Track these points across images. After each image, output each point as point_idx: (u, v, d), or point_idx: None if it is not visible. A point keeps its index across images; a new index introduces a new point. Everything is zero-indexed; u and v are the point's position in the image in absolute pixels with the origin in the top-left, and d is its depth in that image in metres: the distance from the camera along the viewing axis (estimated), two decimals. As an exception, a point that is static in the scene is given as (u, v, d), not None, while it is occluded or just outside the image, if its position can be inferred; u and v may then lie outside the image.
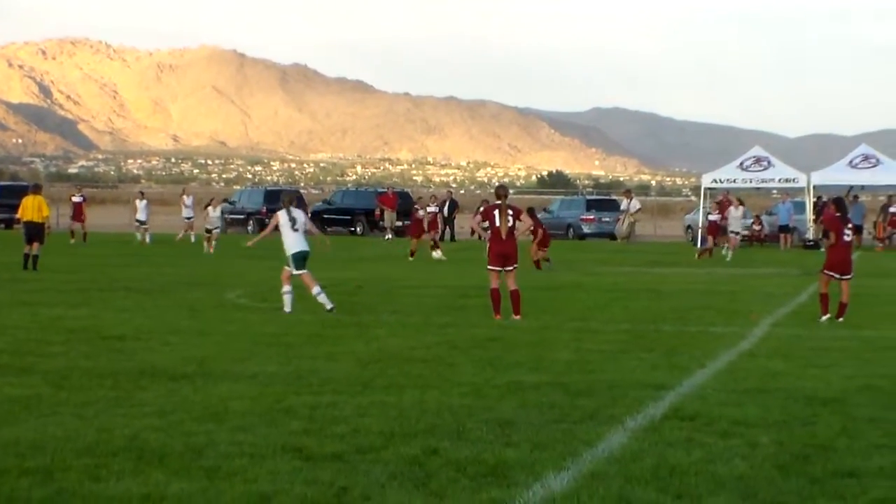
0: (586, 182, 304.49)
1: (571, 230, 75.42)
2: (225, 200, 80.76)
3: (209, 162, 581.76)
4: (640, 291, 32.82)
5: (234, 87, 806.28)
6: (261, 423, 12.63)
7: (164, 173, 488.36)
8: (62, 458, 10.80)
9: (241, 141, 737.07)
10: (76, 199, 61.05)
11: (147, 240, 59.20)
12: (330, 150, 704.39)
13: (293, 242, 25.68)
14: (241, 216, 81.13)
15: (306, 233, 25.91)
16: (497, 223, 24.97)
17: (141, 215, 61.10)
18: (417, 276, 38.41)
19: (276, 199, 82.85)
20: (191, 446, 11.42)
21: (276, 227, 25.85)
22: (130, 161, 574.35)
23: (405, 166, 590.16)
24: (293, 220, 25.68)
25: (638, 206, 71.68)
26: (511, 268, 25.02)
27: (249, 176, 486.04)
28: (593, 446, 11.73)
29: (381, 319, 24.07)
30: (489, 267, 25.18)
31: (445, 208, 72.82)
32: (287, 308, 25.16)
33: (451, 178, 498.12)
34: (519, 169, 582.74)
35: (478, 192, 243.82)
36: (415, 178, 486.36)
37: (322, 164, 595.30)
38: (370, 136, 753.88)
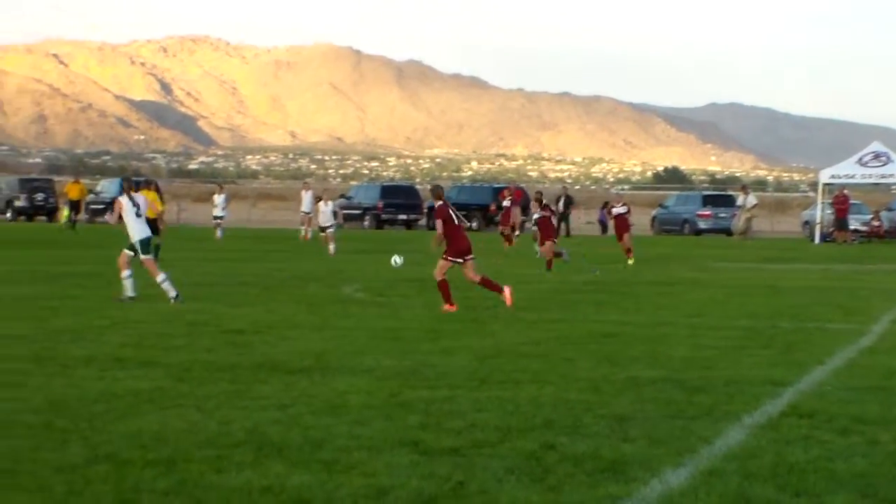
0: (702, 178, 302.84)
1: (687, 226, 75.20)
2: (342, 196, 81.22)
3: (326, 158, 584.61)
4: (757, 287, 32.58)
5: (351, 84, 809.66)
6: (378, 417, 12.67)
7: (281, 169, 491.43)
8: (184, 450, 10.89)
9: (358, 137, 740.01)
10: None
11: (218, 234, 59.11)
12: (445, 145, 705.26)
13: (137, 228, 25.75)
14: (358, 211, 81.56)
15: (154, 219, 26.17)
16: (455, 221, 25.58)
17: (218, 211, 61.14)
18: (532, 271, 38.33)
19: (392, 194, 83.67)
20: (309, 439, 11.46)
21: (120, 215, 25.80)
22: (249, 157, 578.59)
23: (520, 162, 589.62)
24: (136, 206, 25.79)
25: (754, 201, 71.11)
26: (471, 258, 25.60)
27: (366, 172, 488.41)
28: (711, 443, 11.64)
29: (496, 314, 24.06)
30: (451, 258, 25.47)
31: (561, 204, 72.78)
32: (129, 293, 25.34)
33: (566, 173, 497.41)
34: (634, 165, 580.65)
35: (592, 187, 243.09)
36: (530, 173, 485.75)
37: (438, 160, 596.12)
38: (485, 132, 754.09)
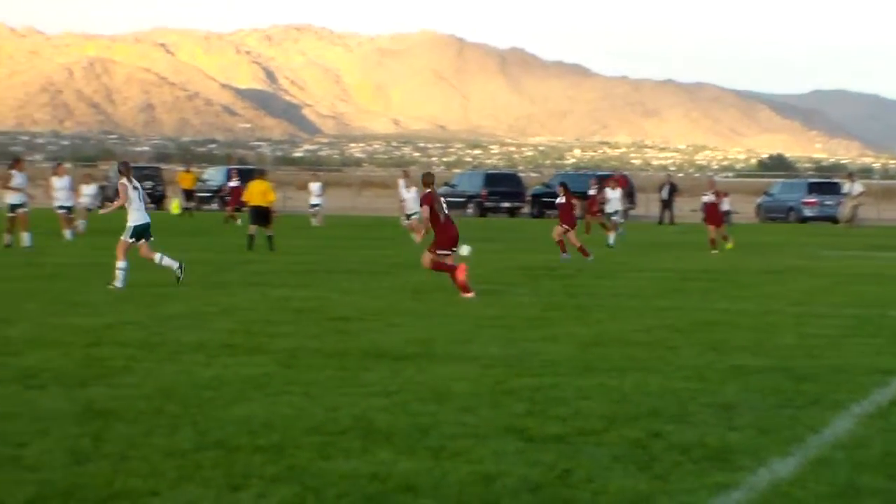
0: (807, 165, 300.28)
1: (793, 213, 74.63)
2: (445, 184, 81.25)
3: (429, 146, 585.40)
4: (864, 276, 32.27)
5: (454, 72, 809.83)
6: (484, 405, 12.67)
7: (385, 157, 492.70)
8: (292, 436, 10.95)
9: (461, 125, 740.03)
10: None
11: (314, 222, 59.28)
12: (548, 133, 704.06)
13: (138, 214, 25.87)
14: (462, 199, 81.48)
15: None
16: (438, 210, 25.54)
17: (314, 199, 61.31)
18: (635, 258, 38.21)
19: (496, 182, 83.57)
20: (416, 426, 11.49)
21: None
22: (353, 145, 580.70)
23: (623, 149, 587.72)
24: (137, 191, 25.96)
25: (861, 189, 70.50)
26: (454, 251, 25.65)
27: (469, 159, 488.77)
28: (819, 432, 11.56)
29: (600, 303, 24.00)
30: (442, 251, 25.39)
31: (665, 192, 72.49)
32: (119, 283, 25.29)
33: (670, 161, 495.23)
34: (738, 152, 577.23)
35: (696, 175, 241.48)
36: (633, 161, 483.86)
37: (541, 148, 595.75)
38: (588, 120, 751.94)
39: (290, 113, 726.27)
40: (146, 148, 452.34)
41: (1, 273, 28.48)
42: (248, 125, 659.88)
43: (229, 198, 64.20)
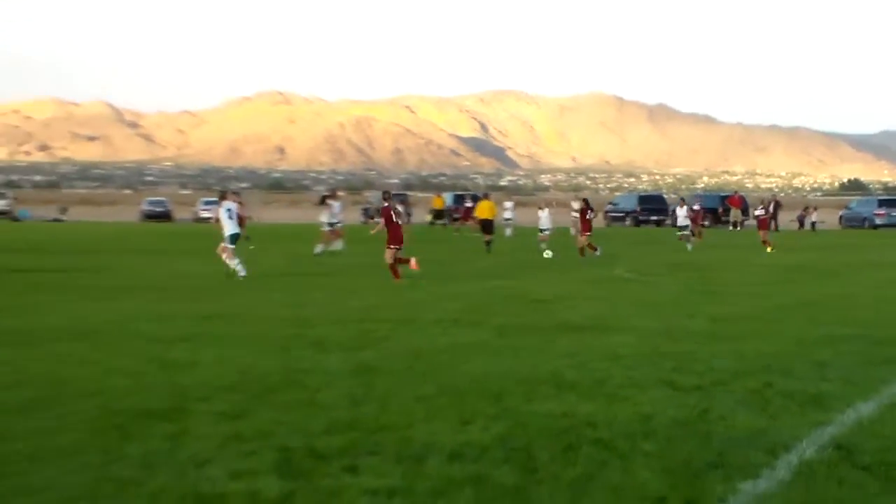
0: (877, 186, 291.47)
1: (867, 222, 72.92)
2: (609, 203, 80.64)
3: (597, 175, 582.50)
4: (922, 267, 31.31)
5: (615, 121, 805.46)
6: (643, 363, 12.57)
7: (566, 184, 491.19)
8: (505, 386, 10.97)
9: (620, 160, 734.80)
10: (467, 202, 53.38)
11: (507, 233, 57.87)
12: (684, 165, 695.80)
13: (229, 226, 26.40)
14: (622, 214, 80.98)
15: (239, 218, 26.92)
16: (395, 219, 25.93)
17: (507, 214, 59.87)
18: (751, 256, 37.56)
19: (646, 201, 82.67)
20: (594, 379, 11.44)
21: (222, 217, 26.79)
22: (542, 176, 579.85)
23: (739, 176, 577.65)
24: (229, 211, 26.59)
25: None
26: (401, 247, 25.89)
27: (626, 185, 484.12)
28: (892, 383, 11.24)
29: (726, 289, 23.65)
30: (394, 246, 25.66)
31: (771, 207, 71.19)
32: (242, 273, 25.65)
33: (774, 184, 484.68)
34: (825, 177, 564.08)
35: (793, 195, 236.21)
36: (746, 185, 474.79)
37: (678, 176, 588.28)
38: (713, 155, 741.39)
39: (498, 153, 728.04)
40: (396, 180, 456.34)
41: (295, 272, 29.00)
42: (468, 163, 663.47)
43: (459, 215, 64.46)
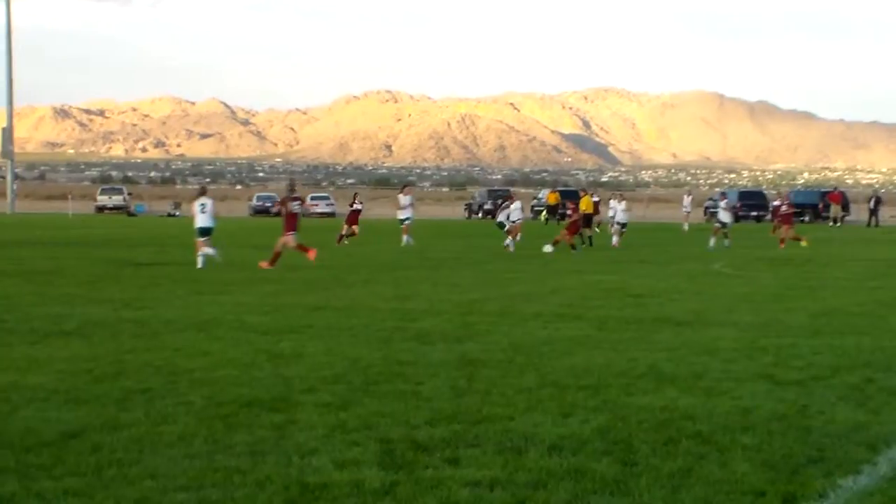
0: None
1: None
2: (709, 199, 79.62)
3: (698, 171, 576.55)
4: None
5: (716, 118, 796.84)
6: (741, 357, 12.39)
7: (666, 180, 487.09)
8: (604, 379, 10.89)
9: (721, 156, 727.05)
10: (356, 206, 42.55)
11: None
12: (784, 161, 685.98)
13: (199, 219, 27.62)
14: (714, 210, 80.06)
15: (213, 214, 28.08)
16: (292, 209, 27.41)
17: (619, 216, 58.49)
18: (851, 251, 36.85)
19: (747, 197, 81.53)
20: (693, 372, 11.30)
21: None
22: (643, 172, 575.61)
23: (840, 172, 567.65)
24: (203, 206, 27.74)
25: None
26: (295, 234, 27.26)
27: (726, 181, 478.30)
28: None
29: (826, 284, 23.21)
30: (292, 233, 27.21)
31: (872, 202, 69.83)
32: (200, 265, 26.56)
33: (875, 180, 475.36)
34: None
35: (894, 191, 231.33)
36: (847, 181, 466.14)
37: (778, 172, 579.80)
38: (813, 151, 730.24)
39: (600, 150, 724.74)
40: (499, 176, 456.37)
41: (400, 265, 29.11)
42: (569, 159, 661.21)
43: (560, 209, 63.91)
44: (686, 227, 59.03)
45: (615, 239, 40.59)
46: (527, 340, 13.75)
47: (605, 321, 15.87)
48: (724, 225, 40.96)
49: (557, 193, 77.60)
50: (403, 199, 39.53)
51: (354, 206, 41.92)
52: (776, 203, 58.46)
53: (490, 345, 13.35)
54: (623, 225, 41.72)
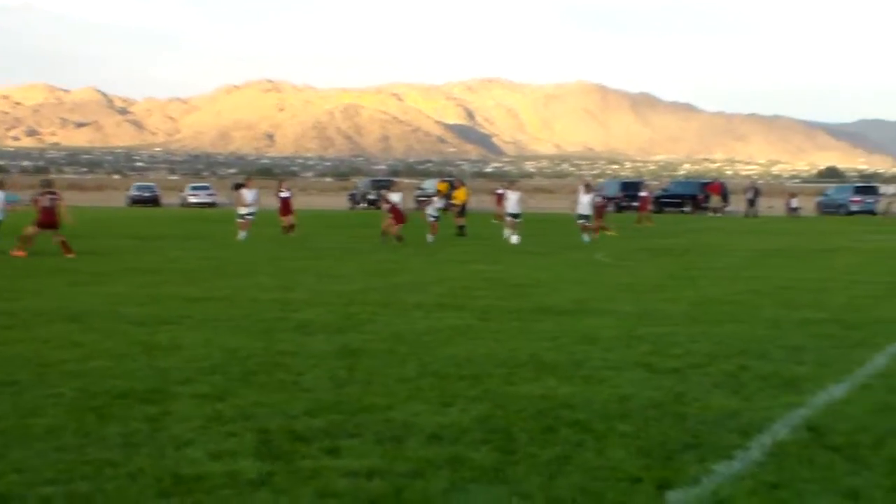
0: (853, 174, 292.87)
1: (843, 209, 73.06)
2: (594, 189, 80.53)
3: (581, 162, 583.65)
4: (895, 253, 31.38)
5: (599, 109, 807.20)
6: (621, 346, 12.55)
7: (550, 171, 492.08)
8: (485, 368, 10.94)
9: (604, 147, 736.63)
10: (283, 194, 41.04)
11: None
12: (665, 153, 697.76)
13: None
14: (605, 199, 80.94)
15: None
16: (46, 204, 27.38)
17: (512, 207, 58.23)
18: (729, 241, 37.61)
19: (628, 188, 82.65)
20: (573, 361, 11.42)
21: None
22: (527, 162, 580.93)
23: (720, 164, 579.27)
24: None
25: (893, 190, 68.73)
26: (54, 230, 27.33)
27: (609, 172, 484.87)
28: (862, 365, 11.26)
29: (704, 273, 23.65)
30: (40, 228, 27.26)
31: (750, 193, 71.32)
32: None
33: (753, 171, 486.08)
34: (803, 165, 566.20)
35: (773, 181, 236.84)
36: (727, 172, 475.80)
37: (660, 163, 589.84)
38: (694, 143, 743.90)
39: (483, 141, 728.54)
40: (383, 167, 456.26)
41: (283, 256, 28.92)
42: (454, 150, 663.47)
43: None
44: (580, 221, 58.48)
45: (507, 232, 37.70)
46: (408, 330, 13.75)
47: (487, 311, 15.94)
48: (584, 218, 38.37)
49: (448, 183, 77.46)
50: (248, 193, 37.52)
51: (281, 193, 40.75)
52: (643, 194, 59.53)
53: (372, 335, 13.33)
54: (516, 216, 38.26)
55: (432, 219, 37.16)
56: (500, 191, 60.84)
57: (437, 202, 37.25)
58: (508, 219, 37.97)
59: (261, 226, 39.38)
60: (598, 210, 39.72)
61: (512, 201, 38.33)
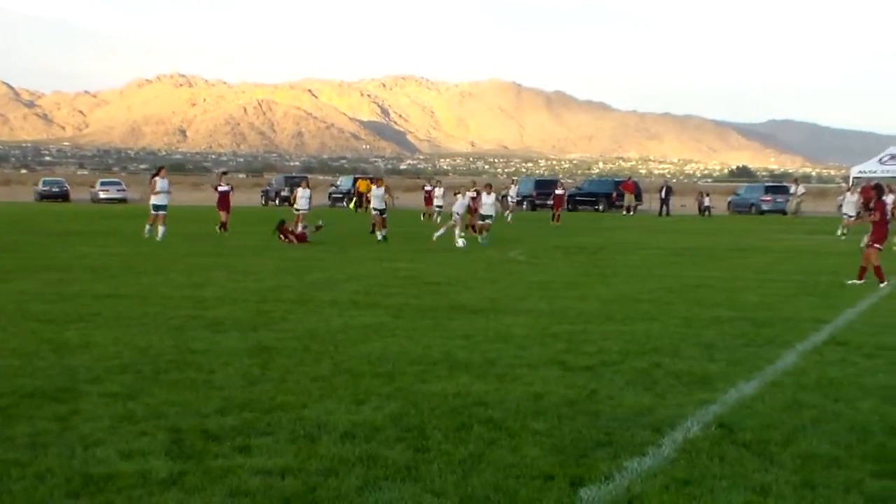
0: (764, 174, 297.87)
1: (754, 208, 73.95)
2: (509, 187, 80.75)
3: (496, 160, 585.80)
4: (805, 252, 31.93)
5: (514, 108, 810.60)
6: (534, 344, 12.64)
7: (464, 168, 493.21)
8: (399, 366, 10.96)
9: (518, 145, 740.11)
10: (223, 188, 40.10)
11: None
12: (580, 151, 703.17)
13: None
14: (519, 198, 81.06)
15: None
16: None
17: (486, 209, 56.78)
18: (642, 240, 37.99)
19: (543, 186, 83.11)
20: (487, 359, 11.47)
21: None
22: (442, 160, 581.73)
23: (633, 162, 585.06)
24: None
25: (803, 190, 69.69)
26: None
27: (524, 170, 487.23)
28: (773, 363, 11.45)
29: (617, 271, 23.87)
30: None
31: (663, 192, 72.04)
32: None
33: (666, 170, 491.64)
34: (715, 164, 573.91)
35: (685, 180, 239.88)
36: (640, 171, 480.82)
37: (574, 161, 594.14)
38: (608, 142, 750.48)
39: (398, 138, 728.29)
40: (297, 163, 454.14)
41: (196, 252, 28.65)
42: (368, 147, 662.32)
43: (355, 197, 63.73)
44: (509, 216, 57.26)
45: (461, 232, 34.28)
46: (322, 328, 13.72)
47: (401, 309, 15.95)
48: (483, 218, 35.75)
49: (368, 181, 76.87)
50: (161, 182, 35.27)
51: (221, 187, 39.75)
52: (559, 192, 59.77)
53: (285, 333, 13.27)
54: (487, 217, 35.58)
55: (375, 212, 36.01)
56: (428, 188, 60.69)
57: (375, 199, 35.84)
58: (480, 222, 35.59)
59: (175, 222, 38.93)
60: (472, 210, 38.90)
61: (487, 204, 35.83)
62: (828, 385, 10.26)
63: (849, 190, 45.66)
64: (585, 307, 16.59)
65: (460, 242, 32.24)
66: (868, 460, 7.59)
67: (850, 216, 44.46)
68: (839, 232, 43.97)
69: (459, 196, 35.72)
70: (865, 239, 22.48)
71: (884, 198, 22.49)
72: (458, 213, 34.24)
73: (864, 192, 54.22)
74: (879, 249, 21.46)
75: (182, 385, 9.80)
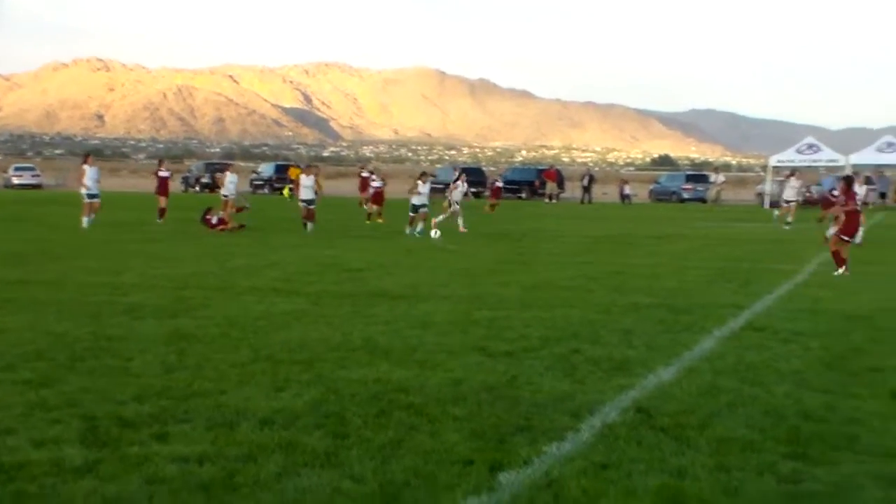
0: (685, 162, 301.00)
1: (675, 196, 74.66)
2: (431, 175, 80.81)
3: (419, 148, 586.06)
4: (724, 239, 32.30)
5: (437, 95, 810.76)
6: (455, 330, 12.67)
7: (388, 156, 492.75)
8: (319, 353, 10.94)
9: (441, 133, 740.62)
10: (163, 173, 39.97)
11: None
12: (503, 139, 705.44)
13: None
14: (442, 186, 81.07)
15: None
16: None
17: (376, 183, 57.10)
18: (564, 227, 38.22)
19: (466, 173, 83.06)
20: (407, 346, 11.49)
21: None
22: (365, 147, 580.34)
23: (556, 151, 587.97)
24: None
25: (723, 179, 70.49)
26: None
27: (447, 157, 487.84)
28: (691, 349, 11.59)
29: (538, 259, 23.99)
30: None
31: (585, 180, 72.53)
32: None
33: (589, 159, 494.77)
34: (637, 153, 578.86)
35: (608, 169, 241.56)
36: (563, 159, 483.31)
37: (497, 149, 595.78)
38: (532, 130, 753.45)
39: (321, 125, 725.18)
40: (217, 150, 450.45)
41: (114, 239, 28.33)
42: (290, 133, 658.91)
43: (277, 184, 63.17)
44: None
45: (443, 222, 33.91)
46: (242, 315, 13.65)
47: (321, 296, 15.92)
48: (415, 209, 34.23)
49: (300, 168, 76.00)
50: (90, 170, 34.34)
51: (161, 172, 39.05)
52: (499, 184, 59.97)
53: (204, 319, 13.19)
54: (422, 207, 34.20)
55: (303, 203, 35.03)
56: (364, 174, 59.92)
57: (304, 189, 34.91)
58: (413, 213, 34.00)
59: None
60: (376, 196, 39.54)
61: (422, 194, 34.52)
62: (744, 370, 10.42)
63: (792, 175, 44.47)
64: (507, 294, 16.66)
65: (435, 233, 31.56)
66: (781, 443, 7.73)
67: (791, 202, 43.13)
68: (787, 219, 41.67)
69: (459, 183, 36.42)
70: (832, 229, 22.57)
71: (854, 188, 22.65)
72: (457, 202, 34.85)
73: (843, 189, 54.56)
74: (848, 242, 21.61)
75: (98, 372, 9.71)
